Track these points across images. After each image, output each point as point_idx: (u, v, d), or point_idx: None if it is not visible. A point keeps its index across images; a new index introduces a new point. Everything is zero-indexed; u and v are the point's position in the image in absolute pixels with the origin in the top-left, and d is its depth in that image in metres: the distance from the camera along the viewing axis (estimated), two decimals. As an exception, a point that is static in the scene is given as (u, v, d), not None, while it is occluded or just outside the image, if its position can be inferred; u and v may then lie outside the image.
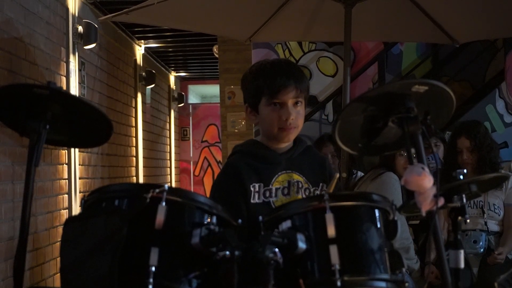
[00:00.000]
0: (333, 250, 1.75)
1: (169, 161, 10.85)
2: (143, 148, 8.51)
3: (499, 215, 4.17)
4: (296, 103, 2.30)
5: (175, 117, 11.45)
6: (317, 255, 1.78)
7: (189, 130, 12.14)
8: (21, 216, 2.01)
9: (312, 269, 1.78)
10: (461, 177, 2.38)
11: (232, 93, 7.39)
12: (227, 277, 1.71)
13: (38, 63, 4.96)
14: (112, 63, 7.16)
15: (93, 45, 6.01)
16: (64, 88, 5.24)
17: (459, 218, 2.39)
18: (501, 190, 4.18)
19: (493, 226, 4.17)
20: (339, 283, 1.72)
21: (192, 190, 10.61)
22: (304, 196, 2.31)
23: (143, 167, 8.51)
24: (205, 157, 12.10)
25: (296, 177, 2.34)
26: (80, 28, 5.84)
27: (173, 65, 10.65)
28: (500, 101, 6.60)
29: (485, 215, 4.15)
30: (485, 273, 3.99)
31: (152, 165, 9.34)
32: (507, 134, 6.58)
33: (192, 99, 12.63)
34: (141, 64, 8.56)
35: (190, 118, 12.15)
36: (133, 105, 8.17)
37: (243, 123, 7.40)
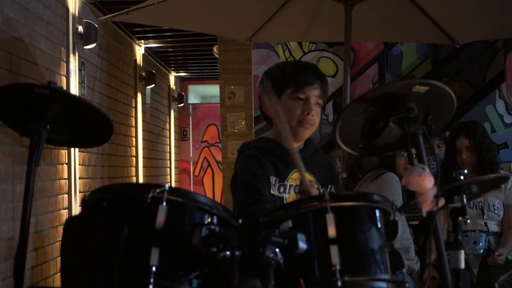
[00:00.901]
0: (334, 251, 1.75)
1: (169, 161, 10.84)
2: (143, 148, 8.50)
3: (498, 216, 4.17)
4: (316, 103, 2.37)
5: (175, 117, 11.45)
6: (317, 255, 1.78)
7: (189, 130, 12.14)
8: (22, 216, 2.01)
9: (312, 269, 1.78)
10: (462, 177, 2.38)
11: (232, 93, 7.39)
12: (227, 277, 1.71)
13: (38, 63, 4.96)
14: (112, 63, 7.16)
15: (93, 45, 6.01)
16: (64, 88, 5.25)
17: (460, 218, 2.40)
18: (500, 191, 4.18)
19: (493, 227, 4.17)
20: (339, 284, 1.72)
21: (192, 190, 10.61)
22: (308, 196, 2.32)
23: (143, 167, 8.51)
24: (205, 157, 12.10)
25: (308, 176, 2.36)
26: (80, 28, 5.84)
27: (173, 65, 10.65)
28: (500, 101, 6.61)
29: (484, 215, 4.16)
30: (485, 274, 3.99)
31: (152, 165, 9.34)
32: (507, 134, 6.59)
33: (192, 99, 12.63)
34: (141, 64, 8.56)
35: (190, 118, 12.14)
36: (133, 105, 8.17)
37: (243, 123, 7.40)
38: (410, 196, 1.83)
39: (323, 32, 5.02)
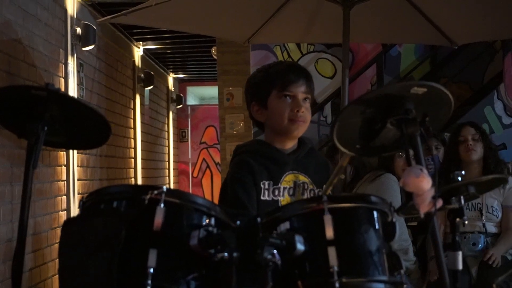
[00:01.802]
0: (332, 252, 1.75)
1: (167, 162, 10.84)
2: (141, 150, 8.51)
3: (497, 217, 4.17)
4: (305, 99, 2.36)
5: (173, 119, 11.46)
6: (315, 256, 1.77)
7: (188, 132, 12.14)
8: (20, 218, 2.01)
9: (310, 271, 1.78)
10: (459, 178, 2.39)
11: (230, 94, 7.39)
12: (225, 279, 1.71)
13: (36, 64, 4.96)
14: (110, 65, 7.16)
15: (91, 47, 6.01)
16: (63, 89, 5.25)
17: (457, 219, 2.40)
18: (499, 192, 4.19)
19: (491, 228, 4.17)
20: (337, 285, 1.71)
21: (190, 191, 10.61)
22: (306, 197, 2.33)
23: (142, 168, 8.51)
24: (203, 159, 12.10)
25: (302, 178, 2.36)
26: (78, 30, 5.84)
27: (171, 66, 10.66)
28: (498, 102, 6.61)
29: (483, 217, 4.16)
30: (484, 274, 3.99)
31: (151, 167, 9.34)
32: (506, 135, 6.58)
33: (191, 100, 12.64)
34: (140, 66, 8.56)
35: (189, 119, 12.15)
36: (132, 107, 8.17)
37: (241, 124, 7.40)
38: (409, 197, 1.83)
39: (321, 34, 5.02)
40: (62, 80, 5.58)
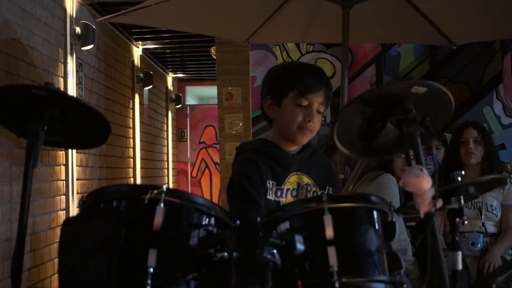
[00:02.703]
0: (331, 252, 1.75)
1: (166, 162, 10.84)
2: (140, 149, 8.50)
3: (496, 216, 4.17)
4: (319, 110, 2.34)
5: (172, 119, 11.45)
6: (315, 256, 1.78)
7: (187, 132, 12.14)
8: (19, 217, 2.00)
9: (310, 271, 1.78)
10: (459, 178, 2.39)
11: (230, 94, 7.39)
12: (225, 279, 1.71)
13: (35, 64, 4.96)
14: (109, 64, 7.16)
15: (90, 46, 6.01)
16: (62, 89, 5.25)
17: (457, 219, 2.40)
18: (499, 191, 4.19)
19: (491, 228, 4.16)
20: (337, 285, 1.71)
21: (189, 191, 10.61)
22: (306, 197, 2.32)
23: (141, 168, 8.51)
24: (202, 159, 12.10)
25: (306, 179, 2.35)
26: (77, 29, 5.84)
27: (170, 66, 10.65)
28: (497, 103, 6.61)
29: (482, 216, 4.15)
30: (483, 275, 3.98)
31: (150, 166, 9.33)
32: (505, 136, 6.58)
33: (190, 100, 12.63)
34: (139, 65, 8.55)
35: (188, 119, 12.14)
36: (131, 106, 8.17)
37: (240, 124, 7.40)
38: (408, 197, 1.83)
39: (320, 33, 5.01)
40: (61, 80, 5.57)
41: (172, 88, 11.29)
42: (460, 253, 2.35)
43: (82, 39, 5.87)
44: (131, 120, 8.14)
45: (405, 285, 1.85)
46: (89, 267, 1.74)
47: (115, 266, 1.69)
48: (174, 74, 11.27)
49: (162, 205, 1.75)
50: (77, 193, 5.86)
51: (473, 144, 4.21)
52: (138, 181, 8.29)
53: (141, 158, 8.53)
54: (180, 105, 11.64)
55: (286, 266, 1.74)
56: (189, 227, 1.78)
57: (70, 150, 5.62)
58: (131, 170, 8.14)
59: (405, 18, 4.49)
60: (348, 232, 1.82)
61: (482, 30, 4.77)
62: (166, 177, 10.80)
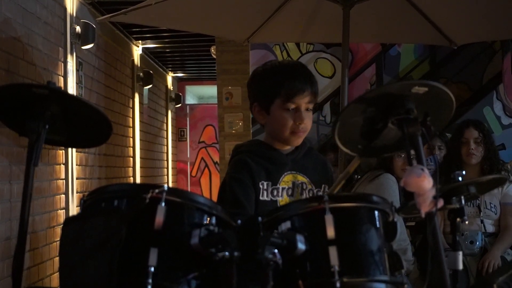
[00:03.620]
0: (333, 252, 1.75)
1: (166, 161, 10.84)
2: (140, 149, 8.50)
3: (495, 214, 4.16)
4: (307, 108, 2.32)
5: (172, 118, 11.45)
6: (316, 256, 1.78)
7: (186, 131, 12.14)
8: (20, 216, 2.00)
9: (311, 271, 1.78)
10: (460, 178, 2.39)
11: (229, 94, 7.39)
12: (226, 278, 1.71)
13: (35, 63, 4.96)
14: (109, 64, 7.16)
15: (90, 45, 6.01)
16: (62, 88, 5.24)
17: (458, 219, 2.40)
18: (497, 190, 4.18)
19: (489, 227, 4.16)
20: (338, 285, 1.71)
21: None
22: (307, 197, 2.32)
23: (140, 167, 8.51)
24: (202, 158, 12.10)
25: (301, 178, 2.35)
26: (78, 28, 5.84)
27: (170, 65, 10.65)
28: (497, 103, 6.61)
29: (481, 214, 4.15)
30: (483, 274, 3.98)
31: (149, 166, 9.33)
32: (505, 136, 6.59)
33: (190, 99, 12.63)
34: (139, 65, 8.55)
35: (188, 118, 12.15)
36: (131, 106, 8.17)
37: (240, 124, 7.40)
38: (409, 197, 1.83)
39: (321, 33, 5.01)
40: (61, 79, 5.57)
41: (172, 87, 11.29)
42: (461, 253, 2.35)
43: (82, 38, 5.86)
44: (131, 119, 8.14)
45: (405, 285, 1.85)
46: (90, 266, 1.74)
47: (116, 265, 1.69)
48: (174, 73, 11.27)
49: (163, 204, 1.75)
50: (77, 192, 5.86)
51: (474, 144, 4.20)
52: (138, 180, 8.29)
53: (140, 157, 8.53)
54: (180, 105, 11.64)
55: (287, 266, 1.74)
56: (190, 226, 1.78)
57: (70, 149, 5.62)
58: (130, 169, 8.13)
59: (405, 18, 4.50)
60: (349, 232, 1.82)
61: (482, 30, 4.77)
62: (166, 176, 10.80)
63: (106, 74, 6.99)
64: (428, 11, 4.38)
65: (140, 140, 8.54)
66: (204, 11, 4.51)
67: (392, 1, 4.34)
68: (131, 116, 8.16)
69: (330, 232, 1.76)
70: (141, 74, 8.52)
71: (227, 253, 1.70)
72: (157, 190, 1.76)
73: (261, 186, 2.28)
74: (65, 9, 5.67)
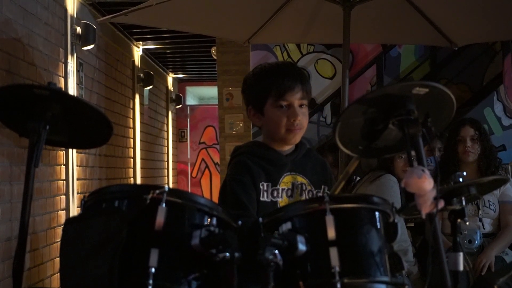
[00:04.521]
0: (333, 252, 1.75)
1: (166, 162, 10.84)
2: (140, 150, 8.50)
3: (494, 212, 4.16)
4: (301, 105, 2.32)
5: (172, 119, 11.45)
6: (317, 257, 1.78)
7: (187, 132, 12.14)
8: (21, 217, 2.00)
9: (312, 271, 1.78)
10: (460, 179, 2.38)
11: (230, 94, 7.39)
12: (227, 279, 1.71)
13: (36, 63, 4.96)
14: (110, 64, 7.16)
15: (91, 46, 6.01)
16: (62, 89, 5.24)
17: (459, 220, 2.39)
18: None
19: (488, 226, 4.16)
20: (339, 285, 1.71)
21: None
22: (307, 198, 2.32)
23: (141, 168, 8.51)
24: (202, 159, 12.10)
25: (300, 179, 2.35)
26: (78, 29, 5.84)
27: (171, 66, 10.65)
28: (498, 104, 6.61)
29: (480, 212, 4.15)
30: (485, 275, 3.97)
31: (150, 167, 9.33)
32: (505, 137, 6.59)
33: (190, 100, 12.63)
34: (139, 66, 8.55)
35: (188, 119, 12.14)
36: (131, 106, 8.17)
37: (241, 124, 7.40)
38: (409, 198, 1.83)
39: (321, 34, 5.02)
40: (62, 79, 5.57)
41: (172, 88, 11.29)
42: (461, 254, 2.35)
43: (82, 39, 5.86)
44: (131, 120, 8.14)
45: (406, 286, 1.85)
46: (90, 266, 1.74)
47: (116, 266, 1.69)
48: (174, 74, 11.27)
49: (164, 205, 1.75)
50: (77, 193, 5.86)
51: (470, 142, 4.22)
52: (138, 181, 8.28)
53: (141, 158, 8.53)
54: (180, 105, 11.64)
55: (288, 267, 1.74)
56: (191, 227, 1.78)
57: (70, 150, 5.62)
58: (131, 170, 8.14)
59: (405, 19, 4.50)
60: (350, 232, 1.82)
61: (483, 31, 4.77)
62: (166, 177, 10.80)
63: (106, 75, 6.99)
64: (428, 12, 4.38)
65: (141, 141, 8.54)
66: (205, 12, 4.51)
67: (393, 2, 4.33)
68: (131, 117, 8.16)
69: (331, 233, 1.76)
70: (141, 75, 8.52)
71: (227, 254, 1.70)
72: (158, 191, 1.76)
73: (261, 187, 2.29)
74: (65, 10, 5.67)
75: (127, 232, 1.72)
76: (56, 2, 5.46)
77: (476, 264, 4.00)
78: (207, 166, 12.05)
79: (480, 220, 4.15)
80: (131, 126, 8.15)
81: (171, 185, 10.77)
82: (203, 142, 12.11)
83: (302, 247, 1.76)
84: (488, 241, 4.13)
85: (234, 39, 5.34)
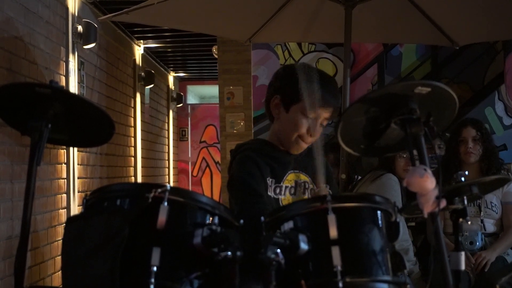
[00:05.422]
0: (335, 252, 1.74)
1: (167, 161, 10.84)
2: (141, 148, 8.50)
3: (496, 213, 4.15)
4: (322, 123, 2.35)
5: (173, 118, 11.45)
6: (319, 256, 1.78)
7: (188, 131, 12.13)
8: (23, 215, 2.00)
9: (314, 270, 1.78)
10: (462, 179, 2.38)
11: (231, 93, 7.39)
12: (228, 278, 1.71)
13: (37, 62, 4.95)
14: (111, 63, 7.16)
15: (92, 45, 6.00)
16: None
17: (460, 220, 2.39)
18: (498, 189, 4.17)
19: (490, 227, 4.15)
20: (340, 285, 1.71)
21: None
22: (309, 196, 2.33)
23: (142, 167, 8.51)
24: (203, 158, 12.09)
25: (303, 177, 2.36)
26: (79, 28, 5.83)
27: (172, 65, 10.65)
28: (499, 103, 6.62)
29: (482, 213, 4.14)
30: (486, 275, 3.97)
31: (151, 165, 9.33)
32: (506, 136, 6.59)
33: (191, 99, 12.63)
34: (140, 64, 8.55)
35: (189, 118, 12.14)
36: (132, 105, 8.17)
37: (242, 123, 7.40)
38: (411, 197, 1.83)
39: (322, 33, 5.02)
40: (63, 78, 5.57)
41: (173, 87, 11.28)
42: (463, 253, 2.35)
43: (84, 38, 5.86)
44: (132, 119, 8.14)
45: (408, 285, 1.85)
46: (92, 265, 1.74)
47: (118, 264, 1.69)
48: (175, 73, 11.27)
49: (166, 203, 1.75)
50: (78, 192, 5.86)
51: (472, 143, 4.20)
52: (139, 180, 8.28)
53: (142, 157, 8.53)
54: (181, 104, 11.64)
55: (290, 266, 1.74)
56: (193, 226, 1.78)
57: (71, 149, 5.62)
58: (132, 169, 8.13)
59: (407, 18, 4.50)
60: (352, 232, 1.82)
61: (484, 30, 4.77)
62: (167, 176, 10.79)
63: (107, 73, 6.98)
64: (430, 11, 4.38)
65: (142, 139, 8.54)
66: (206, 10, 4.51)
67: (394, 1, 4.33)
68: (132, 115, 8.15)
69: (333, 232, 1.76)
70: (142, 73, 8.51)
71: (229, 253, 1.70)
72: (159, 190, 1.76)
73: (268, 182, 2.30)
74: (67, 8, 5.67)
75: (128, 231, 1.72)
76: (58, 0, 5.46)
77: (476, 257, 3.99)
78: (208, 165, 12.04)
79: (482, 221, 4.14)
80: (132, 124, 8.15)
81: (172, 184, 10.76)
82: (204, 141, 12.10)
83: (304, 246, 1.76)
84: (490, 241, 4.13)
85: (235, 38, 5.34)
